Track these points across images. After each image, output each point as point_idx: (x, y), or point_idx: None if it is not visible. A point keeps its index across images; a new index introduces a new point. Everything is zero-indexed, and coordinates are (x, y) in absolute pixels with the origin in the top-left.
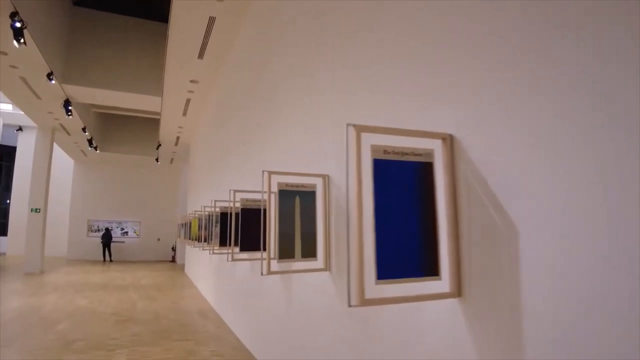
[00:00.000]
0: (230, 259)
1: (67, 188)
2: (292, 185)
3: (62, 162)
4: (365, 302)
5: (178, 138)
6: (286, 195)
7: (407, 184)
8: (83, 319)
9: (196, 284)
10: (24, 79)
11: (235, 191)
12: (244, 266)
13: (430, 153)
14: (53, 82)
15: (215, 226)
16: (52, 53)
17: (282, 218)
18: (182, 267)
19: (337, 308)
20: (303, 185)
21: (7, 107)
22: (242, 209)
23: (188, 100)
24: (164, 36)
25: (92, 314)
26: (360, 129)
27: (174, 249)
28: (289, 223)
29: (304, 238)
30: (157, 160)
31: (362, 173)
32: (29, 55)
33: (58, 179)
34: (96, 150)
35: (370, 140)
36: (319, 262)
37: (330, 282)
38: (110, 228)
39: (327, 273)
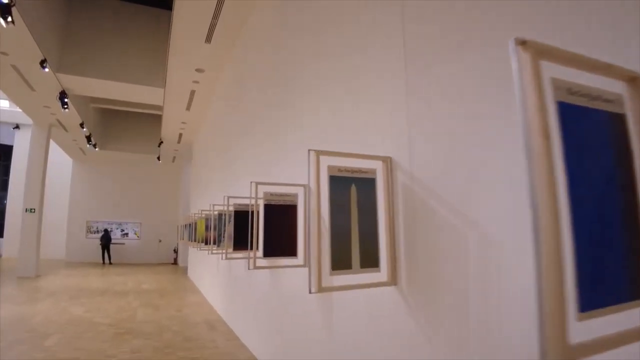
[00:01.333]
0: (252, 266)
1: (66, 188)
2: (347, 170)
3: (61, 161)
4: None
5: (180, 135)
6: (339, 183)
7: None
8: (77, 331)
9: (201, 289)
10: (15, 68)
11: (258, 184)
12: (263, 273)
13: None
14: (46, 69)
15: (223, 226)
16: (45, 38)
17: (334, 213)
18: (185, 270)
19: (405, 331)
20: (360, 170)
21: (4, 103)
22: (266, 205)
23: (192, 93)
24: (168, 24)
25: (87, 326)
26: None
27: (175, 251)
28: (343, 221)
29: (363, 241)
30: (158, 158)
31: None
32: (19, 39)
33: (56, 178)
34: (95, 147)
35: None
36: (382, 273)
37: (397, 300)
38: (109, 229)
39: (392, 288)
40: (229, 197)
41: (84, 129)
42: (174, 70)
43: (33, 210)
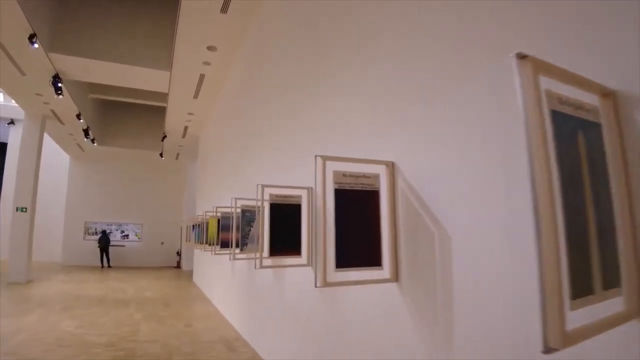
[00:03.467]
0: (320, 282)
1: (62, 187)
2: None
3: (57, 158)
4: None
5: (186, 128)
6: (563, 122)
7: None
8: (66, 356)
9: (210, 297)
10: (3, 47)
11: (325, 158)
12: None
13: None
14: (35, 45)
15: (248, 226)
16: (36, 12)
17: (567, 187)
18: (190, 274)
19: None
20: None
21: None
22: (339, 193)
23: (202, 77)
24: None
25: (78, 346)
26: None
27: (179, 254)
28: (576, 200)
29: (603, 238)
30: (161, 155)
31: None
32: (7, 13)
33: (52, 177)
34: (93, 142)
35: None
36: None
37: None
38: (108, 231)
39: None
40: (263, 187)
41: (81, 120)
42: (183, 46)
43: (24, 210)
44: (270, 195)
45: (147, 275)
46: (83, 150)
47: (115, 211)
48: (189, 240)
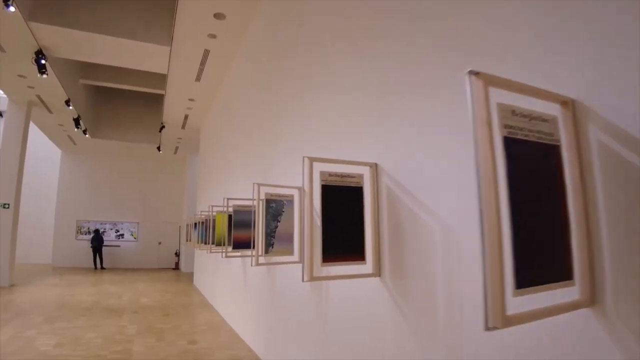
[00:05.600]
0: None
1: (53, 183)
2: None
3: (48, 152)
4: None
5: (186, 118)
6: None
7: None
8: None
9: (214, 304)
10: None
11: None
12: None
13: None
14: (11, 9)
15: (275, 221)
16: None
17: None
18: (189, 276)
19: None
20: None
21: None
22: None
23: (206, 54)
24: None
25: None
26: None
27: (177, 255)
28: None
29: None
30: (158, 149)
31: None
32: None
33: (42, 172)
34: (85, 134)
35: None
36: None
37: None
38: (101, 230)
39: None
40: (312, 158)
41: (70, 107)
42: (186, 11)
43: (7, 206)
44: (322, 173)
45: (143, 278)
46: (75, 144)
47: (110, 209)
48: (190, 241)
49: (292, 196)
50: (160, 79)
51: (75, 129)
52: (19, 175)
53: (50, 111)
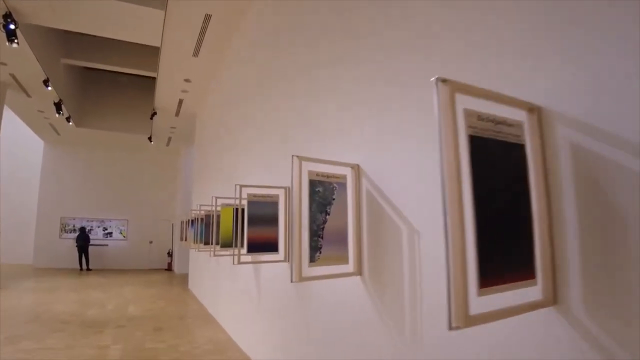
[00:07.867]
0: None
1: (35, 177)
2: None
3: (29, 143)
4: None
5: (181, 103)
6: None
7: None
8: None
9: (215, 314)
10: None
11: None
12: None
13: (345, 175)
14: None
15: (323, 213)
16: None
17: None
18: (183, 278)
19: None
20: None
21: None
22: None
23: (207, 19)
24: None
25: None
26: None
27: (170, 255)
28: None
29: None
30: (150, 139)
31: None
32: None
33: (23, 165)
34: (69, 121)
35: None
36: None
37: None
38: (88, 228)
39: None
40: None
41: (49, 88)
42: None
43: None
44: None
45: (133, 281)
46: (58, 134)
47: (97, 205)
48: (186, 240)
49: (344, 177)
50: (153, 59)
51: (57, 115)
52: None
53: (28, 94)
